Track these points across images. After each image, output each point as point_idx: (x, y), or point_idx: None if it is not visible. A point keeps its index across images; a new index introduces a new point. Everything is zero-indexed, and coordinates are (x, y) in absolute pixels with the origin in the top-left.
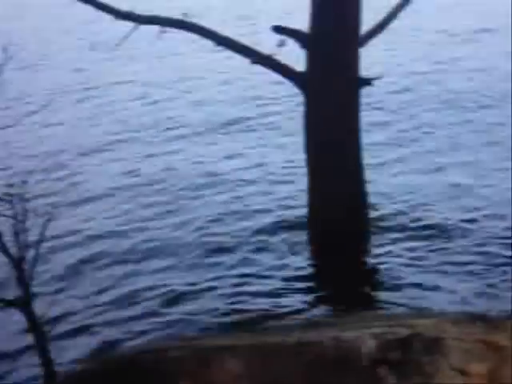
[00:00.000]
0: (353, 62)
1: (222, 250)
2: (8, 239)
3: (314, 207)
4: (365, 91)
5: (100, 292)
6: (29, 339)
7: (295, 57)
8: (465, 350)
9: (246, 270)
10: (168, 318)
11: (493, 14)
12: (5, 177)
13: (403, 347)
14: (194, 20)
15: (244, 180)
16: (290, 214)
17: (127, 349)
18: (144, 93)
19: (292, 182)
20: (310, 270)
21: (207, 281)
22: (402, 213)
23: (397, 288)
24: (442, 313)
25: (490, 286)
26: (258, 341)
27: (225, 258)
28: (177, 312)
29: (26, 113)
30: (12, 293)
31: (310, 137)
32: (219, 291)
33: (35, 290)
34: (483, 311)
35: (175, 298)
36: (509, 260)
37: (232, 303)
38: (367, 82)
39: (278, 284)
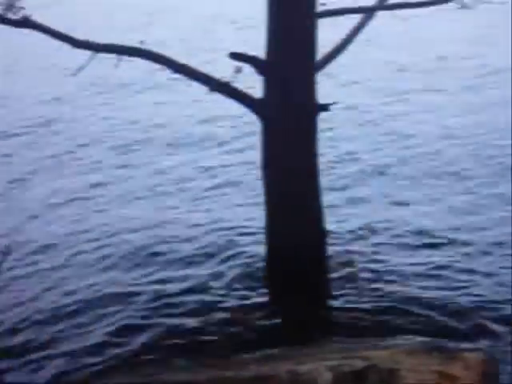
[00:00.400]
0: (309, 87)
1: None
2: None
3: (272, 243)
4: None
5: None
6: None
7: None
8: (420, 381)
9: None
10: None
11: None
12: None
13: (359, 379)
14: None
15: None
16: None
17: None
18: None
19: None
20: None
21: None
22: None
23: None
24: (398, 344)
25: None
26: (214, 375)
27: None
28: None
29: None
30: None
31: (267, 163)
32: None
33: None
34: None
35: None
36: None
37: None
38: (324, 107)
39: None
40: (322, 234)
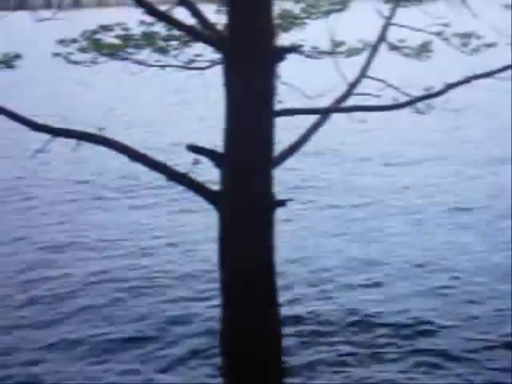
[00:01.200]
0: (266, 183)
1: None
2: None
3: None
4: None
5: None
6: None
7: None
8: None
9: None
10: None
11: None
12: None
13: None
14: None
15: None
16: None
17: None
18: None
19: None
20: None
21: None
22: None
23: None
24: None
25: None
26: None
27: None
28: None
29: None
30: None
31: (223, 257)
32: None
33: None
34: None
35: None
36: None
37: None
38: (281, 203)
39: None
40: (277, 337)
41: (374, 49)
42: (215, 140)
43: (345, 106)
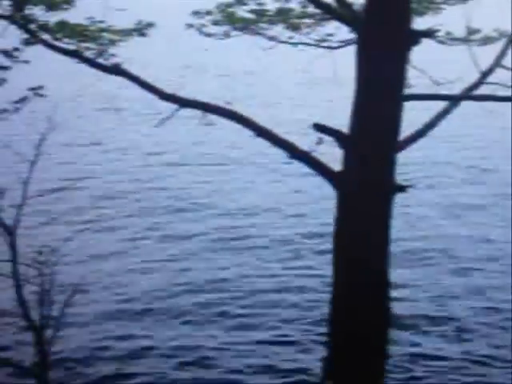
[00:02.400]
0: (389, 167)
1: None
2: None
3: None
4: None
5: None
6: None
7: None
8: None
9: None
10: None
11: None
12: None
13: None
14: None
15: None
16: None
17: None
18: None
19: None
20: None
21: None
22: None
23: None
24: None
25: None
26: None
27: None
28: None
29: None
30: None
31: (338, 237)
32: None
33: None
34: None
35: None
36: None
37: None
38: (402, 188)
39: None
40: (387, 321)
41: (511, 38)
42: (340, 121)
43: (475, 95)
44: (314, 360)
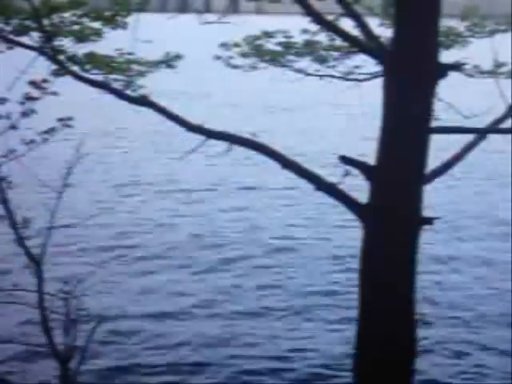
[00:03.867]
0: (415, 199)
1: None
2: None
3: (363, 348)
4: None
5: None
6: None
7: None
8: None
9: None
10: None
11: None
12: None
13: None
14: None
15: None
16: None
17: None
18: None
19: None
20: None
21: None
22: None
23: None
24: None
25: None
26: None
27: None
28: None
29: None
30: None
31: (364, 271)
32: None
33: None
34: None
35: None
36: None
37: None
38: (428, 221)
39: None
40: (414, 350)
41: None
42: (365, 152)
43: (502, 128)
44: None
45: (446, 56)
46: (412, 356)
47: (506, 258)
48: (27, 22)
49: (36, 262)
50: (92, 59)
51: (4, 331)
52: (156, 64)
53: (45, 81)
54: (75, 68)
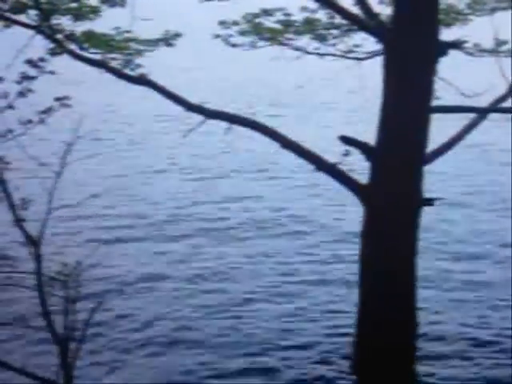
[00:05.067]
0: (416, 180)
1: None
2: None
3: (362, 333)
4: None
5: None
6: None
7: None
8: None
9: None
10: None
11: None
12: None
13: None
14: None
15: None
16: None
17: None
18: None
19: None
20: None
21: None
22: None
23: None
24: None
25: None
26: None
27: None
28: None
29: None
30: None
31: (364, 251)
32: None
33: None
34: None
35: None
36: None
37: None
38: (429, 201)
39: None
40: (414, 334)
41: None
42: (365, 133)
43: (503, 107)
44: None
45: (447, 34)
46: (413, 343)
47: None
48: (24, 0)
49: (34, 244)
50: (90, 38)
51: (3, 314)
52: (155, 42)
53: (42, 59)
54: (73, 47)
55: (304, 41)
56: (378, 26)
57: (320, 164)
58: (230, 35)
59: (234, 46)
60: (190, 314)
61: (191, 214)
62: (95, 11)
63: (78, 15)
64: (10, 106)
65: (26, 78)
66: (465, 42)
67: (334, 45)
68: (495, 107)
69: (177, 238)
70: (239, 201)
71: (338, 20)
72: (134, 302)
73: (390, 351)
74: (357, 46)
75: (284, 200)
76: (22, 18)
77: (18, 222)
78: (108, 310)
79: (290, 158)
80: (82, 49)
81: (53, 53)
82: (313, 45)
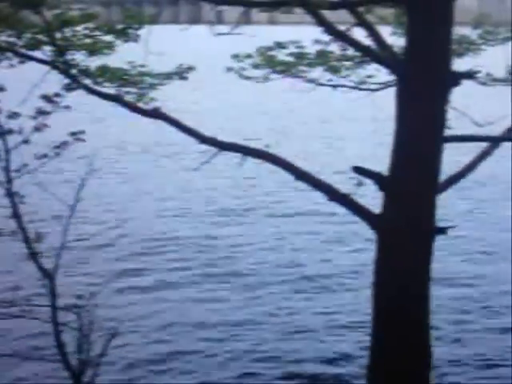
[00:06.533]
0: (429, 209)
1: None
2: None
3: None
4: None
5: None
6: None
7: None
8: None
9: None
10: None
11: None
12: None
13: None
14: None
15: None
16: None
17: None
18: None
19: None
20: None
21: None
22: None
23: None
24: None
25: None
26: None
27: None
28: None
29: None
30: None
31: (377, 280)
32: None
33: None
34: None
35: None
36: None
37: None
38: (442, 231)
39: None
40: (428, 363)
41: None
42: (377, 163)
43: None
44: None
45: (459, 64)
46: (427, 369)
47: None
48: (39, 36)
49: (49, 277)
50: (104, 72)
51: (17, 345)
52: (168, 76)
53: (57, 95)
54: (87, 81)
55: (317, 73)
56: (391, 57)
57: (333, 194)
58: (243, 68)
59: (247, 78)
60: None
61: None
62: (110, 46)
63: (93, 50)
64: (25, 141)
65: (41, 113)
66: (477, 72)
67: (346, 76)
68: (508, 136)
69: None
70: None
71: (351, 52)
72: None
73: (403, 378)
74: (369, 76)
75: None
76: (37, 53)
77: (33, 255)
78: None
79: None
80: (96, 83)
81: (68, 88)
82: (325, 76)
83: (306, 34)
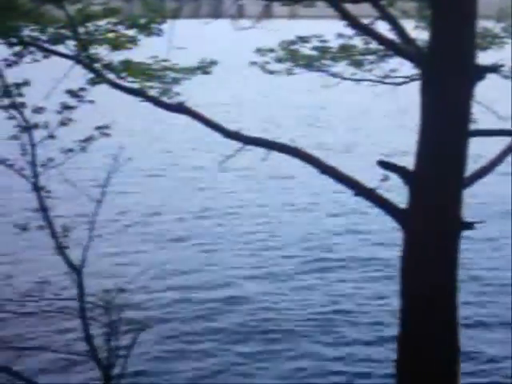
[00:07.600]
0: (455, 203)
1: None
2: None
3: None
4: None
5: None
6: None
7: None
8: None
9: None
10: None
11: None
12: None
13: None
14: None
15: None
16: None
17: None
18: None
19: None
20: None
21: None
22: None
23: None
24: None
25: None
26: None
27: None
28: None
29: None
30: None
31: (404, 277)
32: None
33: None
34: None
35: None
36: None
37: None
38: (469, 225)
39: None
40: (456, 361)
41: None
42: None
43: None
44: None
45: (483, 57)
46: (455, 365)
47: None
48: (63, 31)
49: (77, 271)
50: (128, 67)
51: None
52: (192, 70)
53: (82, 89)
54: (111, 76)
55: (340, 67)
56: (415, 51)
57: (358, 189)
58: (267, 62)
59: (270, 72)
60: None
61: None
62: (132, 41)
63: (116, 45)
64: (51, 136)
65: (66, 107)
66: (502, 65)
67: (370, 70)
68: None
69: None
70: None
71: (374, 45)
72: None
73: (431, 378)
74: (393, 70)
75: None
76: (60, 48)
77: (60, 249)
78: None
79: None
80: (119, 78)
81: (92, 82)
82: (349, 71)
83: (327, 28)
